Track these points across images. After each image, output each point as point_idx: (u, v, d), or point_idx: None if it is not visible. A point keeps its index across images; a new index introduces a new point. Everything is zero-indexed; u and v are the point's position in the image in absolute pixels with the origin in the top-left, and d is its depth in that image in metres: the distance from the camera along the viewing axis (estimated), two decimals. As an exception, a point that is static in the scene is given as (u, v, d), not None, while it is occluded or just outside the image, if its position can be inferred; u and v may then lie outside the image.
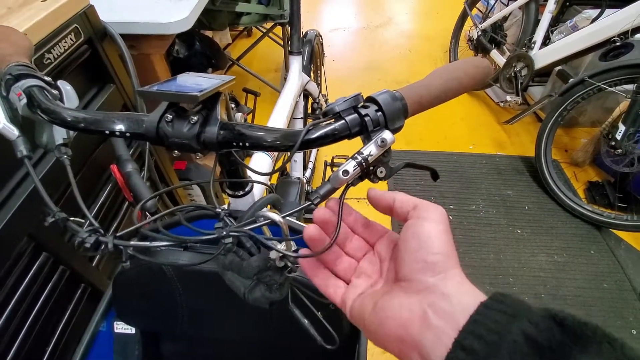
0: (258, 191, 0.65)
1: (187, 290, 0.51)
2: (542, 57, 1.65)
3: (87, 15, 0.69)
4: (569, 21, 1.62)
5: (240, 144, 0.33)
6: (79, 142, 0.68)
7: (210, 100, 0.35)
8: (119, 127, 0.34)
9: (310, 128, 0.32)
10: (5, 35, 0.42)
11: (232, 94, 1.48)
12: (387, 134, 0.31)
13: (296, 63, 0.96)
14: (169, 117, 0.34)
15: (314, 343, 0.49)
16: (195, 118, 0.33)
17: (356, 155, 0.31)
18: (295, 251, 0.37)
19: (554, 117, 1.52)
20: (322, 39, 1.35)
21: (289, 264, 0.36)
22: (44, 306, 0.64)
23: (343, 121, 0.32)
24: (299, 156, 1.11)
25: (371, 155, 0.31)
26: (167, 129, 0.33)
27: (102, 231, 0.31)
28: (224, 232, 0.31)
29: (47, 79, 0.38)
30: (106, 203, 0.77)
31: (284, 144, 0.32)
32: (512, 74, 1.79)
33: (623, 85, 1.34)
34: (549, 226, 1.46)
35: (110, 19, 0.80)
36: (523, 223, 1.47)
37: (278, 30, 2.08)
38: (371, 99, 0.33)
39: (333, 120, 0.32)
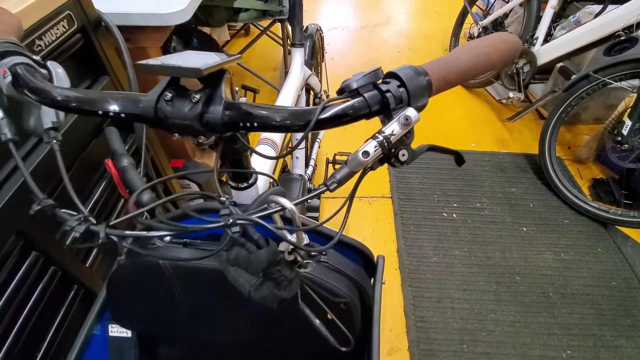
0: (262, 185, 0.62)
1: (187, 289, 0.48)
2: (545, 53, 1.63)
3: (81, 3, 0.66)
4: (572, 16, 1.60)
5: (248, 124, 0.30)
6: (71, 134, 0.65)
7: (214, 78, 0.31)
8: (114, 107, 0.31)
9: (327, 105, 0.29)
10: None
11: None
12: (411, 111, 0.28)
13: (298, 55, 0.93)
14: (169, 95, 0.30)
15: (323, 345, 0.46)
16: (197, 96, 0.30)
17: (377, 134, 0.28)
18: (307, 245, 0.34)
19: (558, 114, 1.50)
20: (322, 33, 1.32)
21: (300, 259, 0.33)
22: (34, 308, 0.61)
23: (362, 98, 0.29)
24: (300, 152, 1.07)
25: (394, 135, 0.28)
26: (167, 109, 0.30)
27: (93, 220, 0.27)
28: (231, 220, 0.28)
29: (36, 57, 0.35)
30: (100, 200, 0.73)
31: (295, 123, 0.29)
32: (514, 71, 1.77)
33: (628, 80, 1.32)
34: (554, 224, 1.43)
35: (105, 9, 0.77)
36: (528, 221, 1.44)
37: (276, 29, 2.05)
38: (392, 74, 0.30)
39: (350, 97, 0.29)
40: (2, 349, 0.56)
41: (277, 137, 0.78)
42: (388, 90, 0.28)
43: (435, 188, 1.57)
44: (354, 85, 0.29)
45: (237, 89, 0.39)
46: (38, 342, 0.63)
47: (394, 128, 0.28)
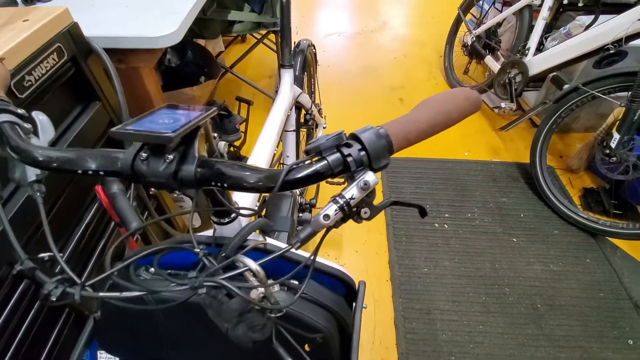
0: (245, 218, 0.64)
1: (170, 321, 0.50)
2: (536, 64, 1.65)
3: (71, 33, 0.68)
4: (562, 28, 1.62)
5: (219, 183, 0.32)
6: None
7: (189, 136, 0.33)
8: (93, 165, 0.33)
9: (292, 169, 0.31)
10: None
11: (225, 104, 1.45)
12: (370, 176, 0.30)
13: (287, 76, 0.95)
14: (144, 155, 0.32)
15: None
16: (171, 156, 0.32)
17: (337, 198, 0.30)
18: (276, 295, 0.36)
19: (549, 124, 1.52)
20: (314, 48, 1.33)
21: (269, 303, 0.35)
22: (26, 334, 0.62)
23: (325, 162, 0.31)
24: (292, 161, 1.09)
25: (353, 199, 0.30)
26: (143, 167, 0.32)
27: (72, 280, 0.29)
28: (197, 283, 0.30)
29: (21, 111, 0.37)
30: (92, 224, 0.75)
31: (265, 185, 0.31)
32: (507, 80, 1.78)
33: (617, 93, 1.34)
34: (544, 234, 1.45)
35: (97, 33, 0.79)
36: (518, 231, 1.46)
37: (272, 36, 2.07)
38: (355, 137, 0.31)
39: (316, 159, 0.31)
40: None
41: (266, 157, 0.79)
42: (349, 155, 0.30)
43: (427, 198, 1.59)
44: (321, 147, 0.31)
45: (214, 134, 0.41)
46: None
47: (353, 192, 0.30)
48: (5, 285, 0.56)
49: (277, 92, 1.00)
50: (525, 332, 1.16)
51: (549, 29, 1.72)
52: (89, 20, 0.73)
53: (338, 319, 0.51)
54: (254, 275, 0.32)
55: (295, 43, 1.21)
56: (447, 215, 1.52)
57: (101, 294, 0.30)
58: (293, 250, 0.31)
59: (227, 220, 0.49)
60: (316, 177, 0.31)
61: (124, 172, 0.33)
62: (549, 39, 1.69)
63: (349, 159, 0.30)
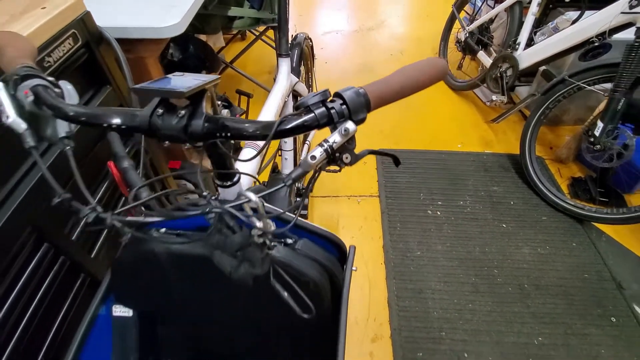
0: (246, 183, 0.70)
1: (179, 273, 0.56)
2: (525, 57, 1.71)
3: (84, 21, 0.74)
4: (550, 23, 1.68)
5: (223, 134, 0.38)
6: (78, 139, 0.72)
7: (197, 97, 0.39)
8: (116, 120, 0.39)
9: (284, 120, 0.37)
10: (11, 40, 0.47)
11: (225, 96, 1.51)
12: (350, 124, 0.36)
13: (284, 65, 1.01)
14: (160, 111, 0.38)
15: (296, 320, 0.53)
16: (182, 112, 0.38)
17: (323, 142, 0.36)
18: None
19: (537, 116, 1.58)
20: (311, 42, 1.39)
21: (268, 241, 0.41)
22: (45, 295, 0.68)
23: (312, 114, 0.36)
24: (289, 154, 1.15)
25: (336, 143, 0.36)
26: (158, 122, 0.38)
27: (101, 209, 0.35)
28: (207, 209, 0.36)
29: (51, 79, 0.43)
30: (103, 199, 0.81)
31: (262, 133, 0.37)
32: (498, 74, 1.85)
33: (601, 84, 1.40)
34: (533, 220, 1.51)
35: (106, 23, 0.85)
36: (508, 218, 1.52)
37: (271, 33, 2.13)
38: (338, 95, 0.37)
39: (304, 112, 0.37)
40: (16, 333, 0.64)
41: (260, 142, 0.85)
42: (332, 108, 0.36)
43: (421, 187, 1.65)
44: (307, 103, 0.37)
45: (219, 103, 0.47)
46: (49, 325, 0.71)
47: (335, 138, 0.36)
48: (27, 246, 0.62)
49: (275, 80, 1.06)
50: (513, 310, 1.22)
51: (539, 24, 1.78)
52: (97, 10, 0.79)
53: (330, 273, 0.57)
54: (254, 209, 0.38)
55: (293, 36, 1.27)
56: (440, 203, 1.58)
57: (128, 218, 0.35)
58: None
59: (229, 183, 0.55)
60: (305, 128, 0.37)
61: (142, 127, 0.39)
62: (538, 33, 1.75)
63: (332, 111, 0.36)
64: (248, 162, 0.69)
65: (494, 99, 1.83)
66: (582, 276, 1.32)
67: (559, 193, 1.56)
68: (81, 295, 0.74)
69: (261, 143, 0.84)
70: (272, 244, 0.41)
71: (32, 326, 0.66)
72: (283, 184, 0.36)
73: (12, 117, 0.39)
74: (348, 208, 1.56)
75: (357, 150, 0.39)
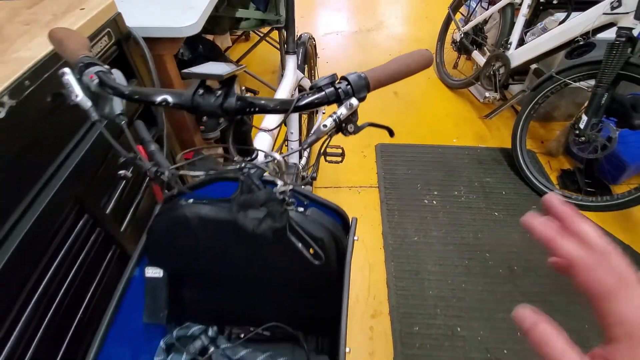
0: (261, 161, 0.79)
1: (207, 236, 0.65)
2: (517, 56, 1.81)
3: (117, 21, 0.83)
4: (539, 23, 1.78)
5: (252, 109, 0.47)
6: (110, 125, 0.81)
7: (229, 80, 0.48)
8: (165, 97, 0.48)
9: (300, 97, 0.46)
10: (69, 34, 0.56)
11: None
12: (354, 100, 0.45)
13: (291, 61, 1.10)
14: (200, 91, 0.48)
15: (310, 274, 0.63)
16: (219, 92, 0.47)
17: (333, 114, 0.45)
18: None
19: (527, 111, 1.67)
20: (314, 41, 1.49)
21: (287, 197, 0.50)
22: (82, 263, 0.77)
23: (323, 92, 0.46)
24: (295, 145, 1.24)
25: (342, 114, 0.45)
26: (199, 100, 0.47)
27: (157, 168, 0.44)
28: (239, 166, 0.45)
29: (107, 66, 0.52)
30: (130, 182, 0.90)
31: (282, 107, 0.46)
32: (491, 72, 1.94)
33: (586, 80, 1.50)
34: (524, 209, 1.60)
35: (131, 24, 0.94)
36: (500, 206, 1.61)
37: (275, 34, 2.23)
38: (344, 78, 0.47)
39: (316, 91, 0.46)
40: (57, 296, 0.72)
41: (272, 127, 0.95)
42: (339, 88, 0.45)
43: (418, 178, 1.74)
44: (319, 84, 0.46)
45: (243, 87, 0.57)
46: (84, 291, 0.79)
47: (342, 111, 0.45)
48: (70, 217, 0.71)
49: (282, 78, 1.15)
50: (502, 290, 1.31)
51: (529, 25, 1.88)
52: (125, 13, 0.88)
53: (335, 238, 0.66)
54: (278, 168, 0.47)
55: (298, 36, 1.36)
56: (436, 193, 1.67)
57: (182, 171, 0.45)
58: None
59: (249, 159, 0.64)
60: (317, 104, 0.46)
61: (185, 104, 0.48)
62: (528, 34, 1.85)
63: (339, 90, 0.45)
64: (264, 139, 0.79)
65: (487, 96, 1.93)
66: (568, 259, 1.41)
67: (549, 183, 1.66)
68: (111, 266, 0.83)
69: (274, 125, 0.94)
70: (290, 199, 0.50)
71: (71, 290, 0.75)
72: (301, 148, 0.45)
73: (80, 96, 0.48)
74: (349, 198, 1.65)
75: (359, 124, 0.49)
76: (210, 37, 1.95)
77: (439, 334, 1.19)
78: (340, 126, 0.46)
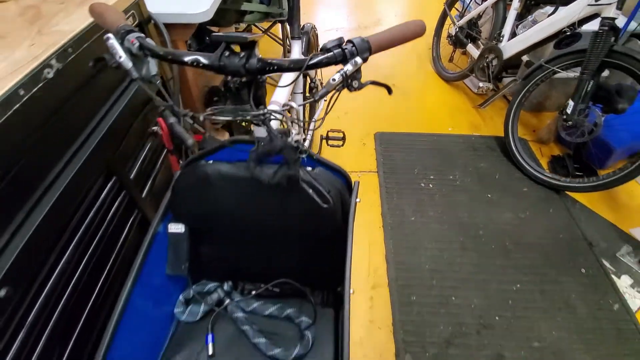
0: (274, 125, 0.87)
1: (226, 192, 0.72)
2: (509, 48, 1.90)
3: (139, 5, 0.91)
4: (529, 16, 1.87)
5: (270, 68, 0.55)
6: (134, 100, 0.89)
7: (251, 45, 0.56)
8: (195, 58, 0.56)
9: (312, 57, 0.54)
10: (108, 8, 0.64)
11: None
12: (358, 59, 0.53)
13: (297, 46, 1.19)
14: (226, 53, 0.55)
15: (319, 225, 0.70)
16: (242, 54, 0.55)
17: (340, 71, 0.53)
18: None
19: (518, 99, 1.76)
20: (317, 31, 1.57)
21: (300, 146, 0.58)
22: (109, 224, 0.85)
23: (332, 53, 0.54)
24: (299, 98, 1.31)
25: (349, 70, 0.53)
26: (225, 61, 0.55)
27: (193, 113, 0.52)
28: (262, 112, 0.53)
29: (142, 34, 0.60)
30: (149, 154, 0.98)
31: (297, 65, 0.54)
32: (485, 64, 2.03)
33: (573, 68, 1.58)
34: (515, 191, 1.68)
35: (151, 9, 1.02)
36: (493, 189, 1.69)
37: (275, 30, 2.31)
38: (349, 41, 0.55)
39: (326, 52, 0.54)
40: (88, 251, 0.80)
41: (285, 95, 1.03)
42: (346, 49, 0.53)
43: (415, 164, 1.82)
44: (328, 46, 0.54)
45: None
46: (109, 253, 0.87)
47: (348, 68, 0.53)
48: (100, 177, 0.79)
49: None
50: (495, 263, 1.39)
51: (520, 18, 1.97)
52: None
53: (341, 196, 0.74)
54: (294, 120, 0.55)
55: (301, 26, 1.45)
56: (432, 177, 1.75)
57: (214, 117, 0.52)
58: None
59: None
60: (327, 63, 0.54)
61: (213, 65, 0.56)
62: (519, 26, 1.94)
63: (346, 51, 0.53)
64: (281, 93, 0.86)
65: (481, 86, 2.02)
66: (557, 236, 1.49)
67: (539, 168, 1.74)
68: (133, 230, 0.90)
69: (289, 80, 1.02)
70: (304, 148, 0.58)
71: (99, 249, 0.83)
72: (313, 99, 0.53)
73: (124, 57, 0.56)
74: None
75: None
76: (215, 29, 2.03)
77: (435, 302, 1.27)
78: (347, 81, 0.54)
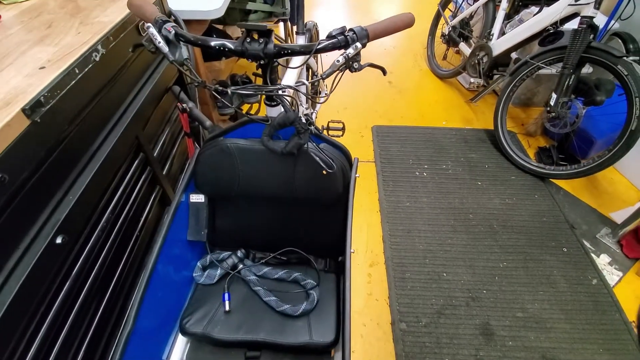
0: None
1: (243, 163, 0.83)
2: (498, 46, 2.02)
3: (162, 2, 1.02)
4: (517, 16, 1.99)
5: (285, 52, 0.66)
6: (156, 87, 1.00)
7: (268, 32, 0.67)
8: (222, 43, 0.66)
9: (319, 43, 0.65)
10: (144, 2, 0.74)
11: (246, 74, 1.79)
12: (358, 44, 0.64)
13: (301, 41, 1.29)
14: (248, 40, 0.66)
15: (326, 192, 0.81)
16: (261, 41, 0.66)
17: (343, 53, 0.64)
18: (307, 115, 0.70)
19: (507, 93, 1.88)
20: (318, 27, 1.68)
21: (310, 118, 0.68)
22: (136, 198, 0.95)
23: (336, 39, 0.65)
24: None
25: (350, 53, 0.64)
26: (247, 46, 0.66)
27: (222, 87, 0.63)
28: (279, 86, 0.63)
29: (175, 24, 0.71)
30: (168, 137, 1.08)
31: (307, 49, 0.65)
32: (476, 61, 2.15)
33: (556, 64, 1.70)
34: (503, 179, 1.80)
35: (169, 6, 1.13)
36: (483, 177, 1.80)
37: (277, 31, 2.42)
38: (351, 29, 0.66)
39: (331, 38, 0.65)
40: (118, 220, 0.90)
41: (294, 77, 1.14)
42: (348, 35, 0.64)
43: (410, 154, 1.93)
44: (333, 34, 0.65)
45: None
46: (135, 225, 0.96)
47: (350, 51, 0.64)
48: (131, 152, 0.89)
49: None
50: (483, 244, 1.50)
51: (509, 17, 2.09)
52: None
53: (342, 168, 0.85)
54: (304, 93, 0.65)
55: (305, 24, 1.56)
56: (426, 166, 1.86)
57: (240, 91, 0.63)
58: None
59: (274, 103, 0.83)
60: (332, 47, 0.65)
61: (236, 50, 0.66)
62: (508, 25, 2.06)
63: (348, 37, 0.64)
64: (291, 74, 0.97)
65: (472, 82, 2.14)
66: (541, 219, 1.61)
67: (526, 157, 1.86)
68: (155, 206, 1.00)
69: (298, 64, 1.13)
70: (312, 120, 0.68)
71: (127, 220, 0.92)
72: (320, 77, 0.64)
73: (162, 42, 0.66)
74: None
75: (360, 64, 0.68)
76: (220, 27, 2.13)
77: (427, 278, 1.38)
78: (349, 63, 0.64)
